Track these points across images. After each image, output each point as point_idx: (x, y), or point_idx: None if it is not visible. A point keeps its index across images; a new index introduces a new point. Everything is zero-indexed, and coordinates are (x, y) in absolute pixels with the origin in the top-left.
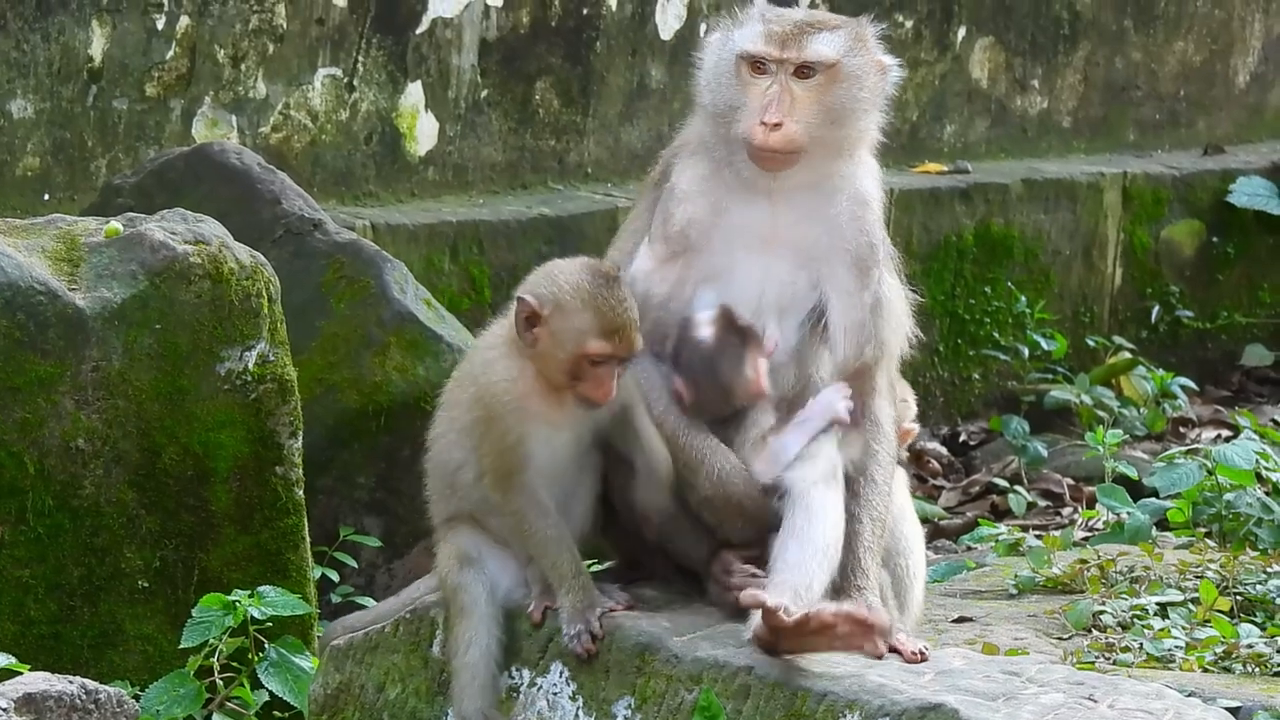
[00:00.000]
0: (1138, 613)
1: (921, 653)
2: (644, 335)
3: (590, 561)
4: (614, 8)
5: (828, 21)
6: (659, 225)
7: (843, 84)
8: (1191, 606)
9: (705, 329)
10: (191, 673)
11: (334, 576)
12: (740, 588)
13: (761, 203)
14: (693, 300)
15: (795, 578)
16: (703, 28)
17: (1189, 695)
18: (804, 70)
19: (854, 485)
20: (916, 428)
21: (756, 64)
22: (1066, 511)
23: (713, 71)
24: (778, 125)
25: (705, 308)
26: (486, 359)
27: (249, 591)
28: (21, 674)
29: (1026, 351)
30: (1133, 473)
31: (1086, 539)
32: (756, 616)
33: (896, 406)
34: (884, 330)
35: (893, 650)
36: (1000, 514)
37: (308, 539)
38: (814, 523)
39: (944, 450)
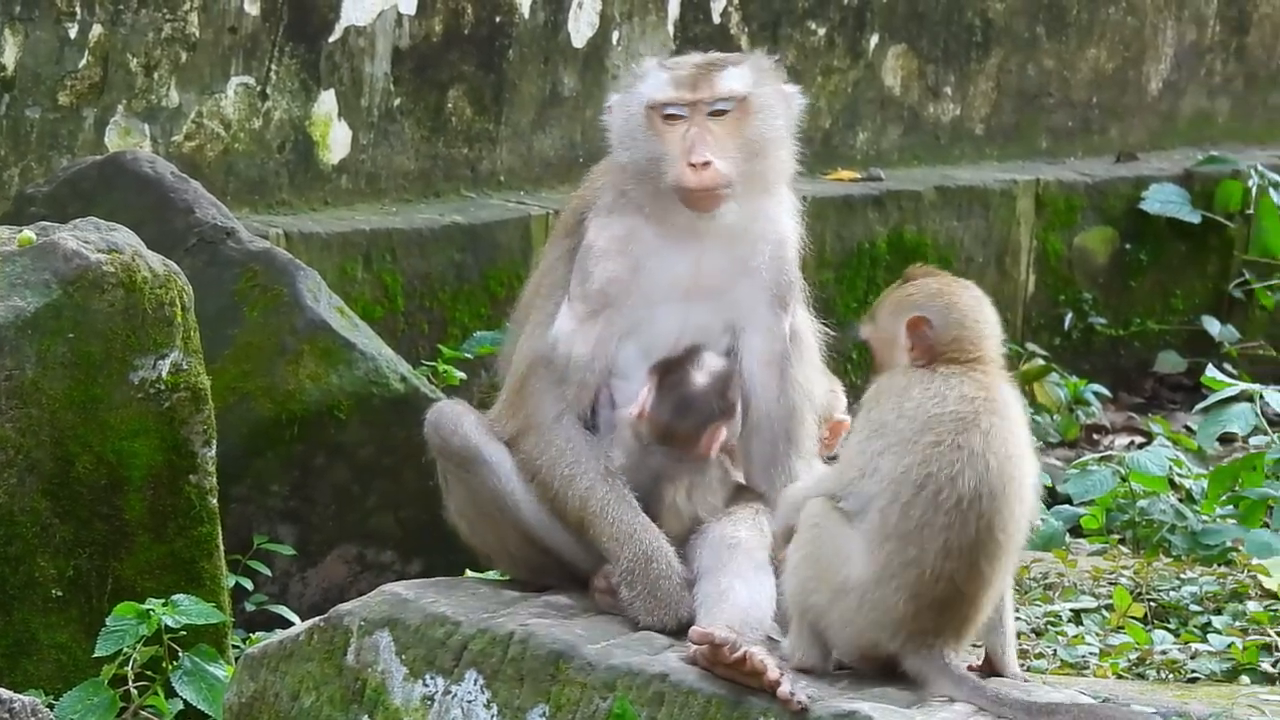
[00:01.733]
0: (1051, 619)
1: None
2: (572, 400)
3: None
4: (526, 16)
5: (728, 58)
6: (578, 284)
7: (756, 116)
8: (1105, 613)
9: (702, 376)
10: (106, 681)
11: (248, 585)
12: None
13: (686, 254)
14: (616, 358)
15: (747, 615)
16: (615, 36)
17: (1103, 701)
18: (717, 109)
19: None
20: (848, 419)
21: (669, 113)
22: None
23: (624, 129)
24: (706, 164)
25: (717, 356)
26: None
27: (163, 600)
28: None
29: None
30: (1047, 479)
31: None
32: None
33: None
34: (803, 368)
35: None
36: None
37: (222, 547)
38: (757, 570)
39: None
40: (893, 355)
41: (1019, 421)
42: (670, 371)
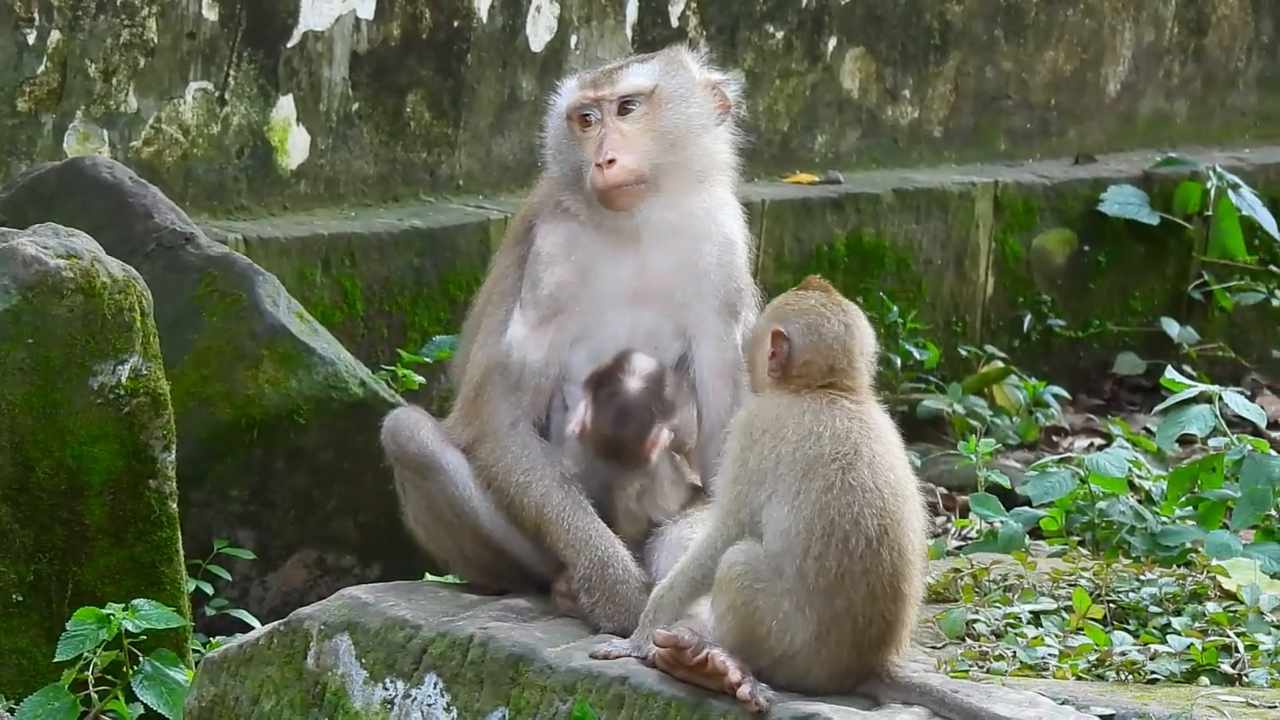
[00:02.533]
0: (1011, 621)
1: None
2: (527, 406)
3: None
4: (484, 20)
5: (639, 57)
6: (528, 291)
7: (668, 107)
8: (1065, 615)
9: (635, 381)
10: (66, 686)
11: (208, 589)
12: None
13: (631, 257)
14: (569, 363)
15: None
16: (573, 40)
17: (1063, 703)
18: (625, 106)
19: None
20: None
21: (583, 118)
22: (940, 521)
23: (553, 142)
24: (611, 161)
25: (647, 359)
26: None
27: (123, 605)
28: None
29: (899, 361)
30: (1006, 481)
31: (960, 548)
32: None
33: None
34: None
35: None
36: None
37: (181, 552)
38: None
39: None
40: (755, 356)
41: (895, 443)
42: (603, 383)
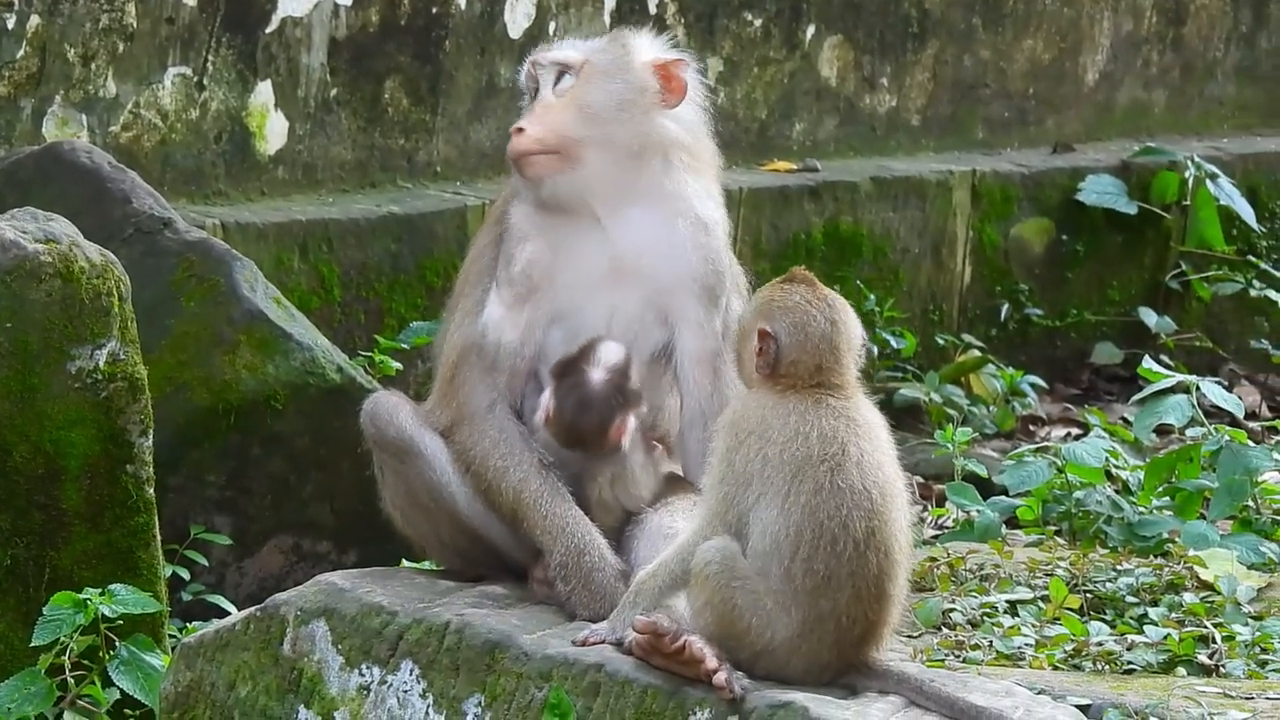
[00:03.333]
0: (987, 610)
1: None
2: (503, 388)
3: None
4: (463, 6)
5: (590, 36)
6: (503, 269)
7: (593, 82)
8: (1041, 604)
9: (599, 372)
10: (43, 671)
11: (185, 574)
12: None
13: (596, 233)
14: (544, 343)
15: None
16: (551, 26)
17: (1039, 693)
18: (560, 80)
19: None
20: None
21: (534, 92)
22: (916, 509)
23: None
24: (520, 130)
25: (614, 348)
26: None
27: (100, 590)
28: None
29: (876, 349)
30: (982, 471)
31: (936, 537)
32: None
33: None
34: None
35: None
36: None
37: (158, 537)
38: None
39: None
40: (744, 349)
41: (883, 439)
42: (566, 372)
